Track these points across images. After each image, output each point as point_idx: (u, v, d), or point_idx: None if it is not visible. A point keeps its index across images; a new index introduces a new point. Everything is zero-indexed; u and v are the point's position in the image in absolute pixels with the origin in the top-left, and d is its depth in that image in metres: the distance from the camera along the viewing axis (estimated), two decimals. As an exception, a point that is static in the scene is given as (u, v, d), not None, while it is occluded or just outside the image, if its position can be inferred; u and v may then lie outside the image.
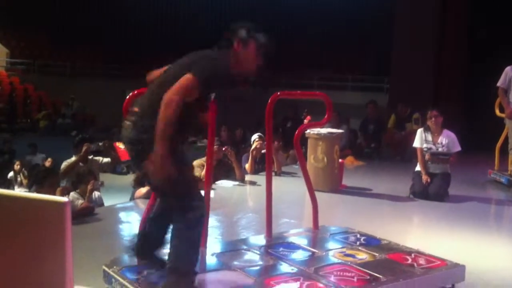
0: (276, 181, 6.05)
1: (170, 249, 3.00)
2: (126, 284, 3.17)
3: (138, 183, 6.38)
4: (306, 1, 20.24)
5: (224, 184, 7.05)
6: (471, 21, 11.27)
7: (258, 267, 3.58)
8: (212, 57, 2.97)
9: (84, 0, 19.53)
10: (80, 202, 5.43)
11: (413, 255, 3.77)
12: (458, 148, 6.62)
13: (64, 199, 1.62)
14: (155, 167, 2.75)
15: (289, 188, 6.86)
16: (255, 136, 7.92)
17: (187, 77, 2.82)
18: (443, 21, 11.12)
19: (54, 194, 5.19)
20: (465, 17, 11.26)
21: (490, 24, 10.84)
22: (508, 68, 7.20)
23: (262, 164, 7.47)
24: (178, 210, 2.99)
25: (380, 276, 3.33)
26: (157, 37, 18.23)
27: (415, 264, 3.59)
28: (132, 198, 6.29)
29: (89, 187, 5.72)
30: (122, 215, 5.69)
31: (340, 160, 7.08)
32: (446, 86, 11.01)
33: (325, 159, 6.83)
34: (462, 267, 3.64)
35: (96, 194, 5.96)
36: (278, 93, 4.34)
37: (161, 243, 3.28)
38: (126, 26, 18.95)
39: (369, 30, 16.90)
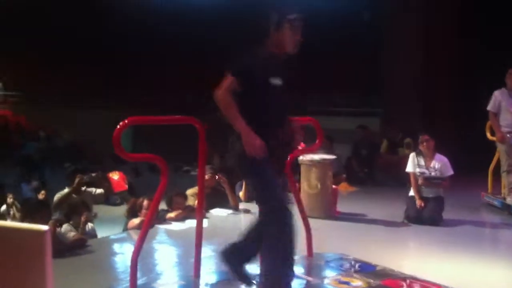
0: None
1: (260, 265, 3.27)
2: (119, 317, 3.13)
3: (131, 214, 6.35)
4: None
5: (217, 212, 7.01)
6: (460, 44, 11.39)
7: (252, 297, 3.55)
8: (246, 53, 3.36)
9: (72, 30, 19.62)
10: (72, 234, 5.37)
11: (408, 281, 3.76)
12: (450, 172, 6.65)
13: (44, 227, 1.63)
14: (245, 143, 3.14)
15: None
16: (248, 164, 7.90)
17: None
18: (432, 44, 11.26)
19: (46, 226, 5.14)
20: (454, 39, 11.38)
21: (480, 48, 10.95)
22: (496, 92, 7.28)
23: (256, 192, 7.44)
24: (263, 219, 3.30)
25: (376, 303, 3.31)
26: (148, 66, 18.34)
27: (410, 290, 3.57)
28: (125, 229, 6.25)
29: (82, 218, 5.68)
30: (115, 246, 5.63)
31: (333, 186, 7.08)
32: (437, 110, 11.08)
33: (319, 185, 6.84)
34: (458, 292, 3.62)
35: (89, 225, 5.92)
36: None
37: (252, 257, 3.45)
38: (119, 55, 19.03)
39: (360, 55, 17.06)
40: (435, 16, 11.29)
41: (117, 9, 17.65)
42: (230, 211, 7.07)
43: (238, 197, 7.62)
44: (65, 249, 5.04)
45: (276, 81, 3.32)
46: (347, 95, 17.68)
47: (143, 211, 6.04)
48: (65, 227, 5.49)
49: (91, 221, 6.04)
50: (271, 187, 3.26)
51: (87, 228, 5.77)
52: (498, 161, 7.50)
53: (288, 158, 3.69)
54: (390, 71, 11.81)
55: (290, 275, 3.31)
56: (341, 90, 18.05)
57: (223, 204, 7.21)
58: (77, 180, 7.11)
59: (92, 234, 5.88)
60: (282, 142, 3.43)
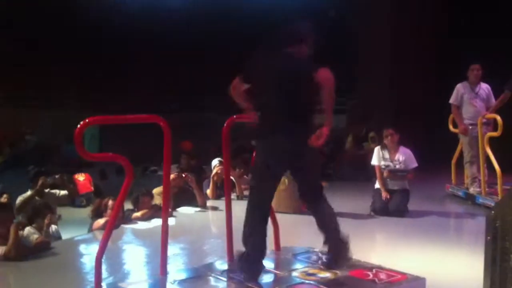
0: (238, 205, 5.97)
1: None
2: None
3: (96, 215, 6.25)
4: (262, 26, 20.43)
5: (185, 210, 6.96)
6: (432, 36, 11.52)
7: (220, 292, 3.54)
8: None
9: (35, 28, 19.16)
10: (35, 236, 5.24)
11: (374, 270, 3.79)
12: (415, 164, 6.75)
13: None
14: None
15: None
16: (215, 161, 7.88)
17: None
18: (401, 38, 11.39)
19: (7, 230, 5.00)
20: (425, 33, 11.52)
21: (451, 36, 11.09)
22: (459, 85, 7.41)
23: (223, 189, 7.41)
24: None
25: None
26: (114, 66, 18.10)
27: (376, 280, 3.61)
28: (90, 230, 6.14)
29: (45, 221, 5.56)
30: (80, 247, 5.55)
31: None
32: (404, 104, 11.21)
33: (286, 181, 6.84)
34: (423, 280, 3.68)
35: (53, 227, 5.80)
36: (234, 116, 4.34)
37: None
38: (81, 53, 18.70)
39: (329, 53, 17.20)
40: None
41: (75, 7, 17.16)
42: (198, 209, 7.03)
43: (206, 195, 7.59)
44: (29, 253, 4.93)
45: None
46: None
47: (108, 211, 5.95)
48: (27, 229, 5.34)
49: (55, 223, 5.92)
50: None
51: (51, 231, 5.66)
52: (461, 153, 7.64)
53: None
54: (359, 70, 11.95)
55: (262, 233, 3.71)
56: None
57: (191, 203, 7.16)
58: (40, 182, 6.96)
59: (56, 236, 5.77)
60: None
